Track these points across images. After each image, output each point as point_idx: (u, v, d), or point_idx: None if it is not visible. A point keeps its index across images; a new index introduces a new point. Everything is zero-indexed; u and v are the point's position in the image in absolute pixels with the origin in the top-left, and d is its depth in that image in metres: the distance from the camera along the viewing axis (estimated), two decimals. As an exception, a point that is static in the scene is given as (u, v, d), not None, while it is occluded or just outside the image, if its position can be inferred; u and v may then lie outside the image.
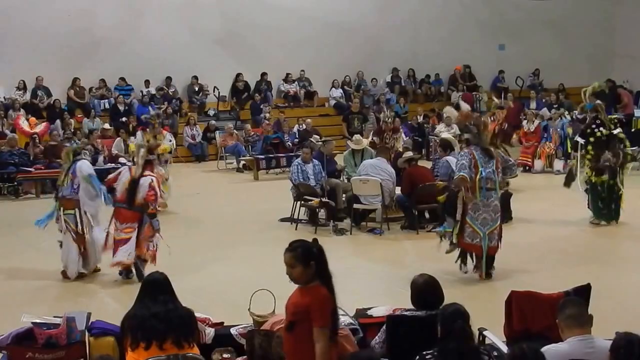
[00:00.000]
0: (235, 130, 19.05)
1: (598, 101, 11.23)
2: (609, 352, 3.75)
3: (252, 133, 19.15)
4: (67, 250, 8.43)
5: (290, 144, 18.45)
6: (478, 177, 7.84)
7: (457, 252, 8.15)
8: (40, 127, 17.00)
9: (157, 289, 4.65)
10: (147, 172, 8.29)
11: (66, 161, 8.66)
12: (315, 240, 4.46)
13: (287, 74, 22.13)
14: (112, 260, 8.22)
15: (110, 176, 8.59)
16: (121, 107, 19.62)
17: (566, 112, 17.60)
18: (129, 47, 20.13)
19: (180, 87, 21.20)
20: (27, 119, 17.42)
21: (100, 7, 19.94)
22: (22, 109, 18.28)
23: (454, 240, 8.08)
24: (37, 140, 16.10)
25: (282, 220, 11.37)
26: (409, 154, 11.45)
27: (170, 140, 13.96)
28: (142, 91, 20.56)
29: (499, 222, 8.01)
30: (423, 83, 23.48)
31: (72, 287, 8.33)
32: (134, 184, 8.16)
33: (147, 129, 12.59)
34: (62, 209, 8.43)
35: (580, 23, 24.12)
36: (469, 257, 8.16)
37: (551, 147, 16.38)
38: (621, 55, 23.33)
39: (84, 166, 8.52)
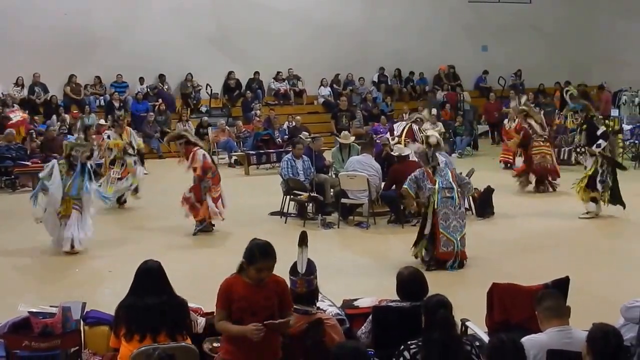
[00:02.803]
0: (227, 127, 19.22)
1: (585, 101, 11.87)
2: (586, 343, 3.80)
3: (244, 129, 19.36)
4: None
5: (280, 140, 18.56)
6: (437, 187, 8.22)
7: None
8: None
9: (152, 278, 4.70)
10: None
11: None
12: (304, 232, 4.62)
13: (278, 73, 22.24)
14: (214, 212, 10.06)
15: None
16: (116, 104, 19.72)
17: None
18: (125, 46, 20.22)
19: (174, 84, 21.29)
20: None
21: (97, 7, 20.02)
22: (15, 105, 18.33)
23: (425, 257, 8.35)
24: (34, 135, 16.21)
25: (272, 214, 11.48)
26: (400, 146, 11.43)
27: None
28: (138, 91, 20.62)
29: (464, 229, 8.38)
30: (409, 82, 23.65)
31: (68, 277, 8.43)
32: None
33: (114, 128, 12.99)
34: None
35: (561, 27, 24.31)
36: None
37: (532, 144, 16.51)
38: (600, 58, 23.52)
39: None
